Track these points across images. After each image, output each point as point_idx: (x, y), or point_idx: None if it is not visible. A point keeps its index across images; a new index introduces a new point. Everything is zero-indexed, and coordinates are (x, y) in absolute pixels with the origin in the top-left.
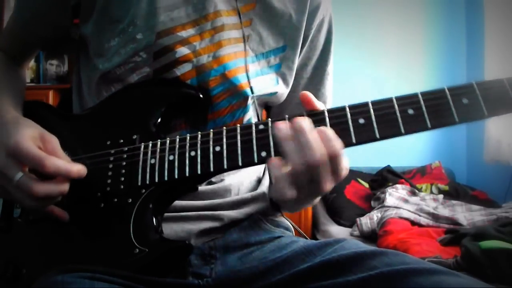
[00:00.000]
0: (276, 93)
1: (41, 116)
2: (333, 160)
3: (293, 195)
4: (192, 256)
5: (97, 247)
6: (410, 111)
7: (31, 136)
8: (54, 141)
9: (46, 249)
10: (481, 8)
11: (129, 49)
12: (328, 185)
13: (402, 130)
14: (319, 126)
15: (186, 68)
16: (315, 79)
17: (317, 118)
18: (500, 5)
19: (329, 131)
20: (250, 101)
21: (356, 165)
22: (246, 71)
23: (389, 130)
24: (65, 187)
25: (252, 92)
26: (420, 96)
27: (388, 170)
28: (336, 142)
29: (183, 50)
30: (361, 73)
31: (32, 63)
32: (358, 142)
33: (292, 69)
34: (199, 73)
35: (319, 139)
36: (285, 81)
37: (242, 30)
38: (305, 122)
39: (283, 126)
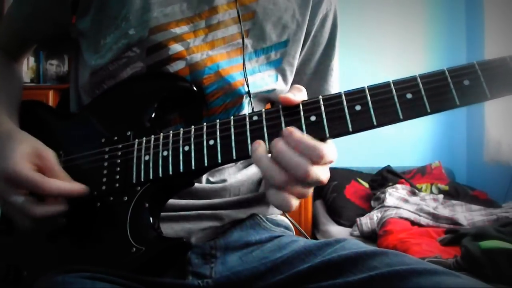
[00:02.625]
0: (274, 90)
1: (37, 115)
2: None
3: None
4: (193, 255)
5: (94, 247)
6: (409, 96)
7: (26, 155)
8: (51, 157)
9: (46, 251)
10: None
11: (121, 44)
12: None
13: (401, 116)
14: (313, 114)
15: (179, 65)
16: (318, 74)
17: (312, 106)
18: None
19: (304, 138)
20: (245, 100)
21: (356, 165)
22: (242, 69)
23: (387, 116)
24: (63, 206)
25: (248, 90)
26: (418, 79)
27: (388, 170)
28: (313, 145)
29: (176, 47)
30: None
31: (32, 63)
32: (355, 130)
33: (292, 65)
34: (192, 71)
35: (297, 154)
36: (284, 77)
37: (241, 25)
38: (279, 144)
39: (261, 155)
